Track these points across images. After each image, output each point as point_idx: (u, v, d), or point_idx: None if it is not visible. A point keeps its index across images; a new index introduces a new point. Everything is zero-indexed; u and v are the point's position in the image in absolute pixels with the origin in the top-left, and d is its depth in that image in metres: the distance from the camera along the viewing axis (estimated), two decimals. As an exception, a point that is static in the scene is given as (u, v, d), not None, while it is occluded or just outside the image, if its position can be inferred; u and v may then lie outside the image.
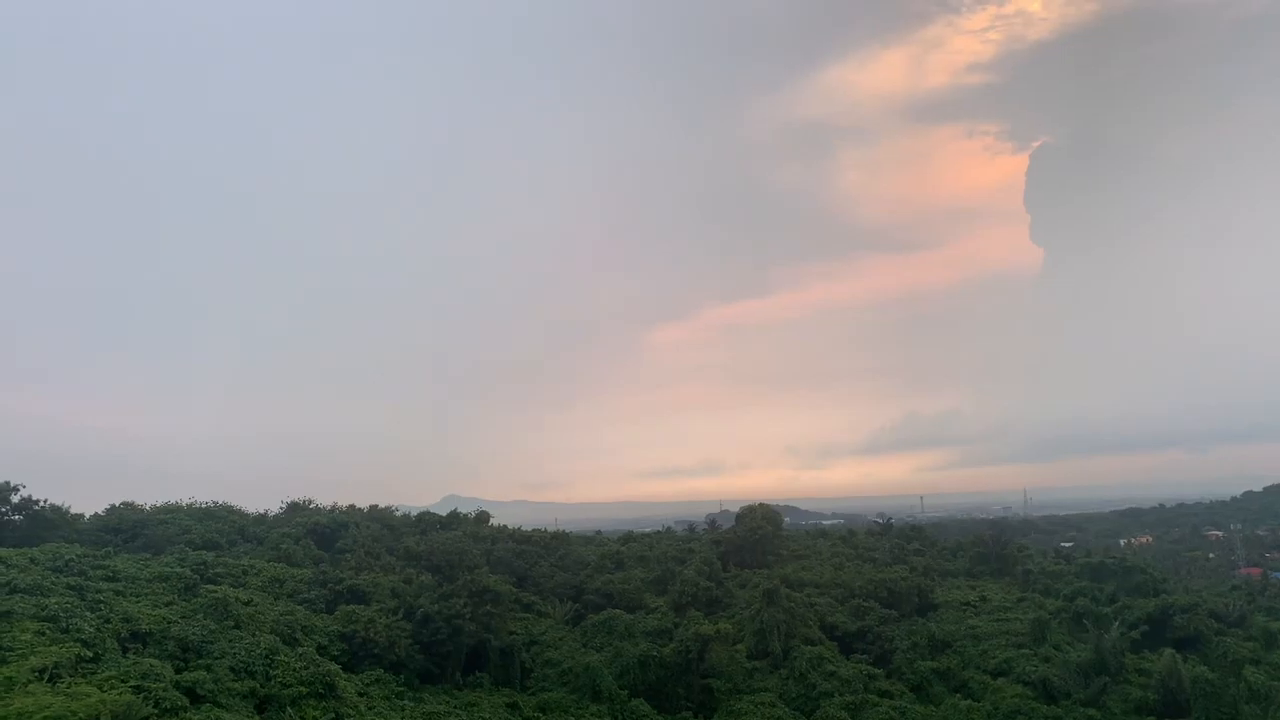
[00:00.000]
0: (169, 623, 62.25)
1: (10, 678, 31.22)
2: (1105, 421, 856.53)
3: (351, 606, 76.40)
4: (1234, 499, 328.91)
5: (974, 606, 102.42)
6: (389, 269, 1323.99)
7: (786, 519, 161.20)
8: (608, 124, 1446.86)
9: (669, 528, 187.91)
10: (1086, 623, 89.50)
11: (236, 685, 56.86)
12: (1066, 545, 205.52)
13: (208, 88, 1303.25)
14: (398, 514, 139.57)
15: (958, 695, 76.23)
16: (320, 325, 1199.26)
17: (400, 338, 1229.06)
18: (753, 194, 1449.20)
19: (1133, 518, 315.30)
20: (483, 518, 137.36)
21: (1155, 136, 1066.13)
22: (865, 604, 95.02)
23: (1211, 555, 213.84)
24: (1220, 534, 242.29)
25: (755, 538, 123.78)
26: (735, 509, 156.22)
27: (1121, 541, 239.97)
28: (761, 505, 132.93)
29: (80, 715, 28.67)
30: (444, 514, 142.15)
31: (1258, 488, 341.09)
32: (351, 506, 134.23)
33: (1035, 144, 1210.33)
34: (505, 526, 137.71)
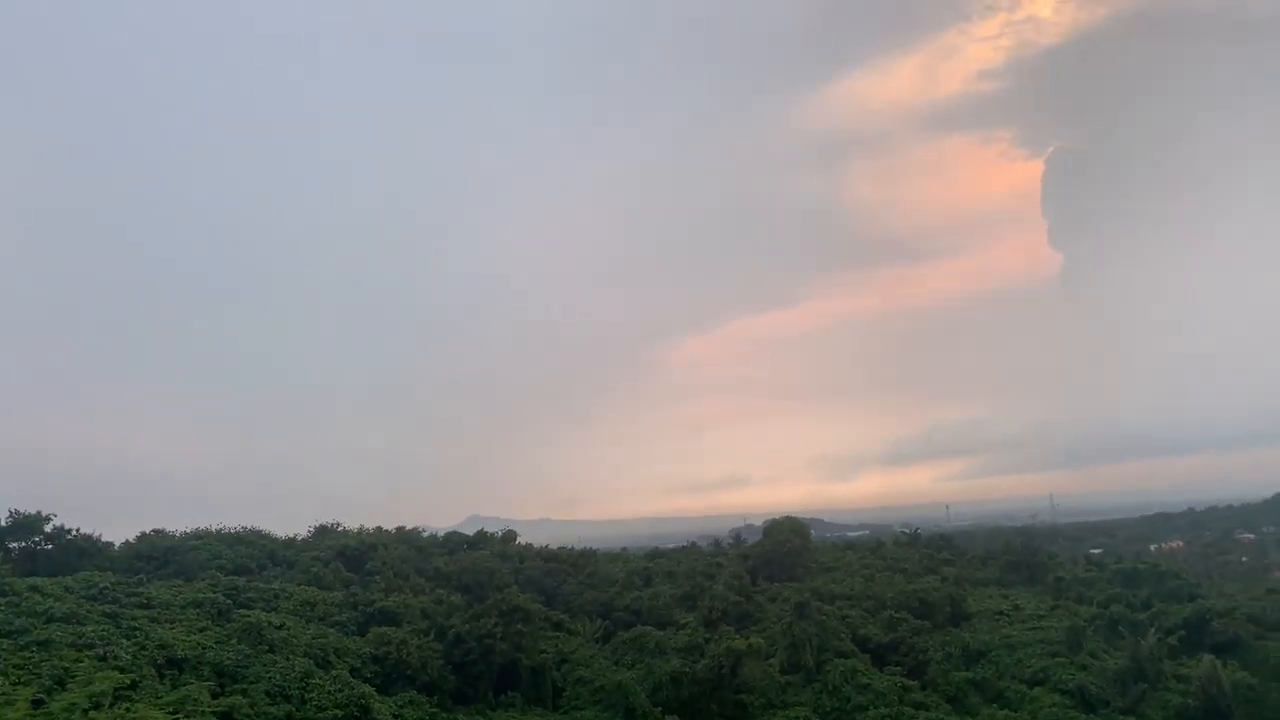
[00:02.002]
0: (204, 648, 62.51)
1: (73, 703, 31.72)
2: (1131, 426, 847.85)
3: (383, 628, 76.50)
4: (1265, 501, 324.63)
5: (1007, 615, 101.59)
6: (406, 290, 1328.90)
7: (812, 531, 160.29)
8: (623, 139, 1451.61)
9: (694, 543, 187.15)
10: (1122, 630, 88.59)
11: (272, 709, 57.04)
12: (1096, 551, 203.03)
13: (218, 103, 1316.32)
14: (424, 535, 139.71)
15: (994, 705, 75.65)
16: (340, 349, 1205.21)
17: (417, 358, 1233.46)
18: (772, 206, 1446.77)
19: (1162, 522, 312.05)
20: (509, 536, 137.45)
21: (1172, 137, 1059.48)
22: (897, 615, 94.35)
23: (1244, 559, 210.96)
24: (1252, 537, 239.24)
25: (783, 551, 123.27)
26: (760, 523, 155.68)
27: (1152, 547, 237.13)
28: (789, 518, 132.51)
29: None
30: (469, 534, 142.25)
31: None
32: (379, 528, 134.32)
33: (1049, 149, 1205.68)
34: (531, 545, 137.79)
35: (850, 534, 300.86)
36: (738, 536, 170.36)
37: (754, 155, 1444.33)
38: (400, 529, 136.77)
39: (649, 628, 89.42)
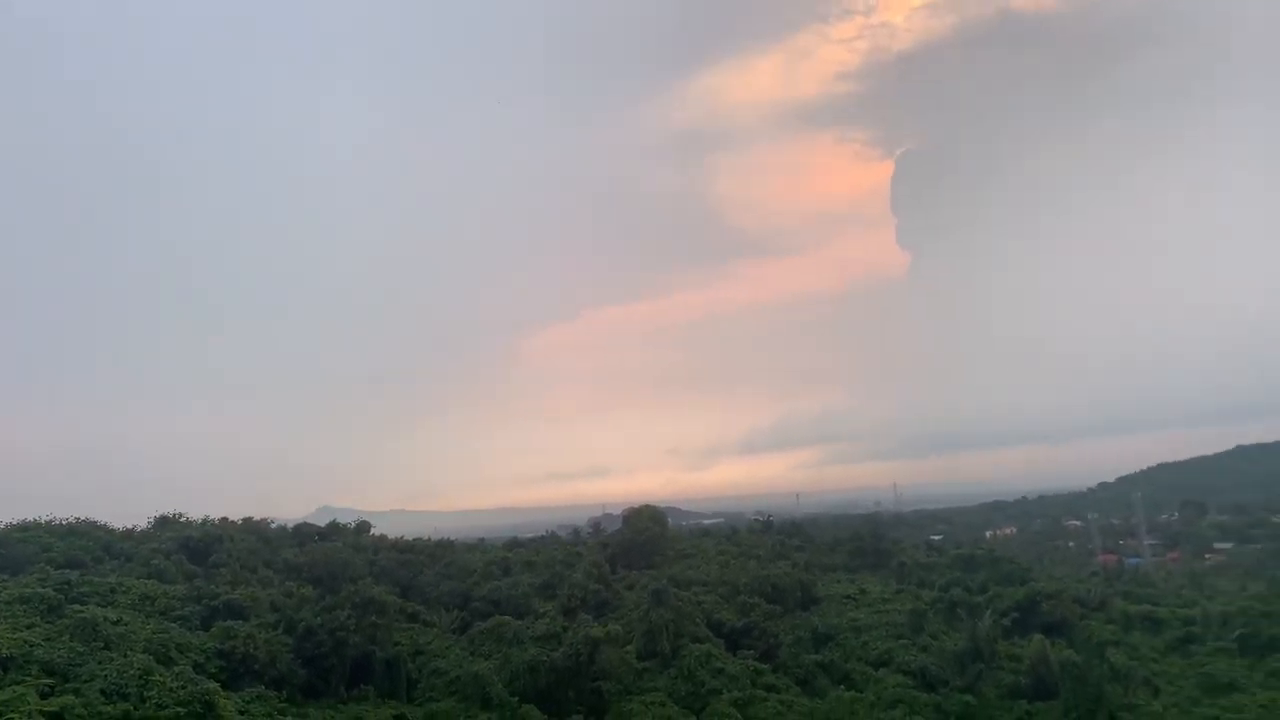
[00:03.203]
0: (32, 646, 59.11)
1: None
2: (971, 418, 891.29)
3: (229, 622, 73.83)
4: (1089, 490, 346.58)
5: (854, 600, 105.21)
6: (252, 271, 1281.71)
7: (669, 520, 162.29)
8: (486, 127, 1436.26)
9: (553, 532, 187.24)
10: (960, 612, 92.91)
11: (108, 709, 54.27)
12: (936, 538, 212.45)
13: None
14: (273, 526, 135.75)
15: (841, 687, 78.16)
16: (177, 330, 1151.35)
17: (264, 344, 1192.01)
18: (635, 199, 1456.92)
19: (997, 510, 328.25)
20: (364, 528, 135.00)
21: (1014, 144, 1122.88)
22: (751, 600, 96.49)
23: (1071, 544, 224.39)
24: (1078, 524, 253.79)
25: (642, 539, 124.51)
26: (619, 511, 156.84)
27: (988, 533, 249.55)
28: (647, 507, 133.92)
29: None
30: (321, 525, 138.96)
31: (1111, 479, 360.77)
32: (224, 519, 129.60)
33: (900, 151, 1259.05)
34: (386, 536, 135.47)
35: (706, 522, 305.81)
36: (597, 525, 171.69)
37: (618, 147, 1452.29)
38: (248, 520, 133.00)
39: (507, 617, 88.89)
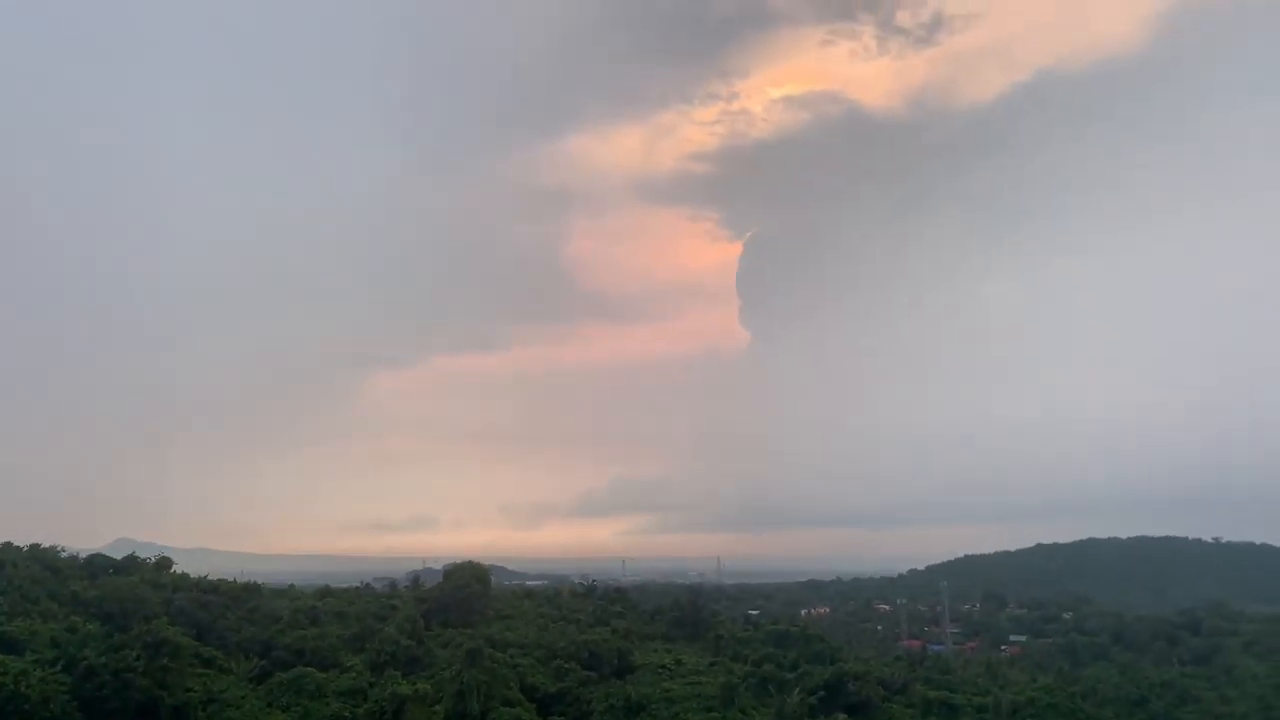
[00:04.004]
0: None
1: None
2: (795, 497, 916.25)
3: (0, 657, 67.93)
4: (900, 576, 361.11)
5: (670, 670, 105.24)
6: (62, 285, 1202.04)
7: (493, 578, 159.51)
8: (343, 161, 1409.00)
9: (368, 584, 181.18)
10: (771, 688, 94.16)
11: None
12: (754, 613, 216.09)
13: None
14: (62, 555, 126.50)
15: (650, 758, 77.80)
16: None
17: (68, 359, 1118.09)
18: (488, 250, 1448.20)
19: (813, 589, 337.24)
20: (164, 563, 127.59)
21: (856, 237, 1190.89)
22: (566, 665, 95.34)
23: (880, 627, 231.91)
24: (888, 608, 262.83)
25: (462, 596, 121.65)
26: (440, 566, 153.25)
27: (803, 611, 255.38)
28: (470, 563, 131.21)
29: None
30: (117, 558, 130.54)
31: (921, 566, 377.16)
32: (7, 544, 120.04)
33: (748, 234, 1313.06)
34: (188, 575, 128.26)
35: (530, 582, 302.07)
36: (416, 579, 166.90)
37: (473, 201, 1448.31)
38: (34, 546, 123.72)
39: (311, 669, 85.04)
